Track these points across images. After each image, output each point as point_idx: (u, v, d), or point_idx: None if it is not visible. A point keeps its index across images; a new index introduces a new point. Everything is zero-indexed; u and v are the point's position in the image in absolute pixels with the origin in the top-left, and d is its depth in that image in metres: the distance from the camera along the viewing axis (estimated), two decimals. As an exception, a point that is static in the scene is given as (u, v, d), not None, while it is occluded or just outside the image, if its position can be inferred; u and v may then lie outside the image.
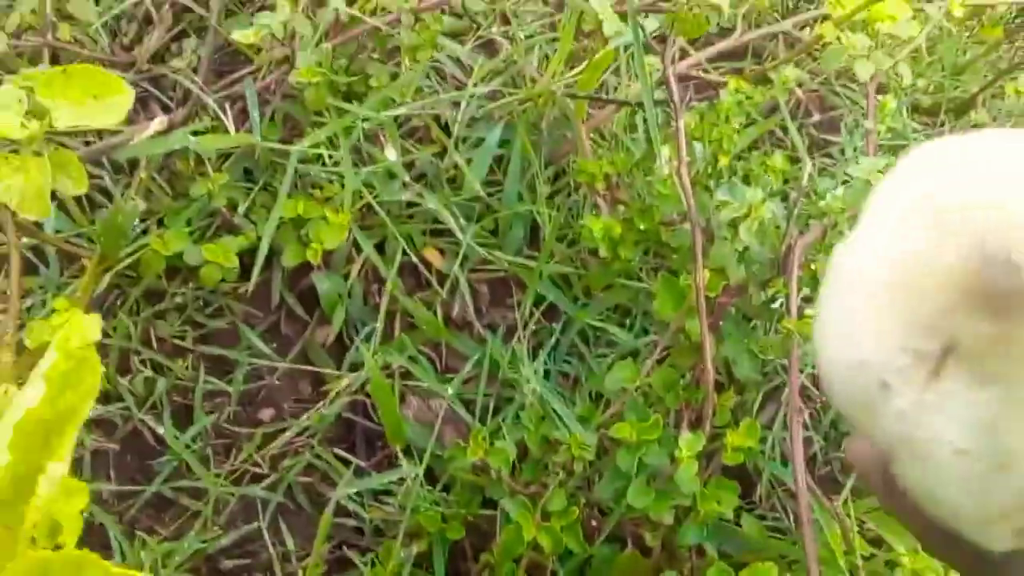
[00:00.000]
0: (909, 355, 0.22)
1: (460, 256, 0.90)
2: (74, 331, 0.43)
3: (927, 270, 0.22)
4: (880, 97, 0.82)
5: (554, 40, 1.04)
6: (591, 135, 1.04)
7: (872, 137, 0.83)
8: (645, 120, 0.92)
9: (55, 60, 0.95)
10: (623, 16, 0.77)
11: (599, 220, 0.85)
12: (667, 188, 0.83)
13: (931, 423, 0.22)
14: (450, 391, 0.83)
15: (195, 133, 0.86)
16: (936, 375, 0.22)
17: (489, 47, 1.07)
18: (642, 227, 0.84)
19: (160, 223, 0.88)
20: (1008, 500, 0.21)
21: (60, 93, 0.66)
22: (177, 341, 0.87)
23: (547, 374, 0.88)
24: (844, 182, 0.81)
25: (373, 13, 0.92)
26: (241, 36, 0.85)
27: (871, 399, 0.23)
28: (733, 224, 0.78)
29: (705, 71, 0.95)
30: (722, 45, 0.96)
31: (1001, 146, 0.23)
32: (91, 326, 0.45)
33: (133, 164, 0.90)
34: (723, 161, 0.85)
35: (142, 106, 0.97)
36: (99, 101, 0.68)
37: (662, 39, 0.90)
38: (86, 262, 0.83)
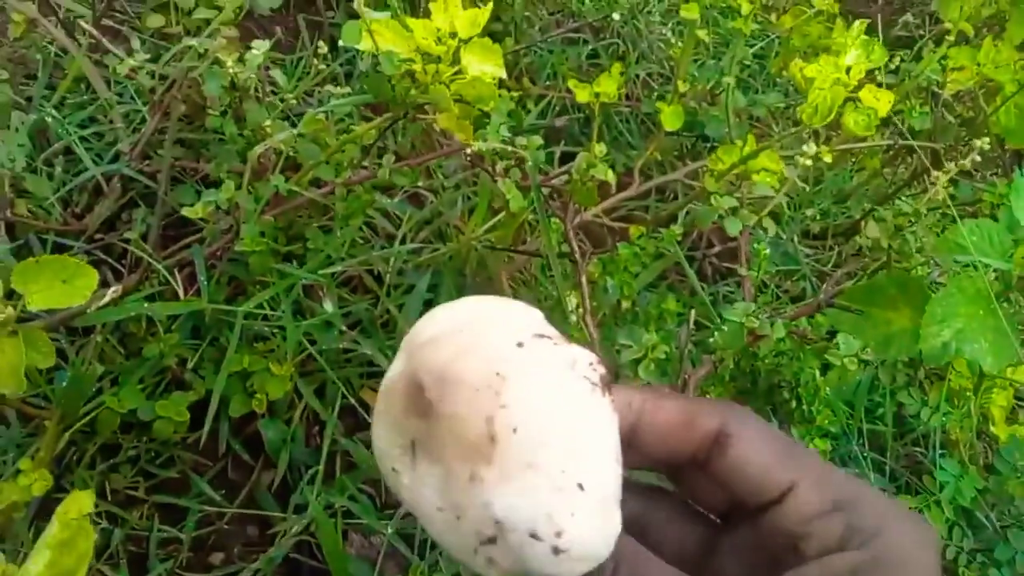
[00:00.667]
0: (398, 448, 0.32)
1: (395, 397, 0.98)
2: (72, 505, 0.52)
3: (394, 387, 0.33)
4: (757, 244, 0.94)
5: (475, 192, 1.15)
6: (516, 275, 1.14)
7: (747, 282, 0.94)
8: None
9: (11, 231, 1.03)
10: (527, 190, 0.88)
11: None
12: (577, 332, 0.93)
13: (421, 493, 0.32)
14: (390, 530, 0.90)
15: (147, 297, 0.94)
16: (414, 460, 0.32)
17: (415, 199, 1.18)
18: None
19: (114, 382, 0.94)
20: (471, 539, 0.30)
21: (32, 280, 0.74)
22: (130, 492, 0.93)
23: (478, 505, 0.95)
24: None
25: (310, 184, 1.01)
26: (190, 212, 0.93)
27: (392, 481, 0.33)
28: (634, 363, 0.88)
29: (604, 221, 1.07)
30: (623, 195, 1.08)
31: (455, 307, 0.35)
32: (85, 500, 0.54)
33: (87, 326, 0.97)
34: (625, 304, 0.96)
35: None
36: (67, 284, 0.76)
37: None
38: (46, 422, 0.89)
